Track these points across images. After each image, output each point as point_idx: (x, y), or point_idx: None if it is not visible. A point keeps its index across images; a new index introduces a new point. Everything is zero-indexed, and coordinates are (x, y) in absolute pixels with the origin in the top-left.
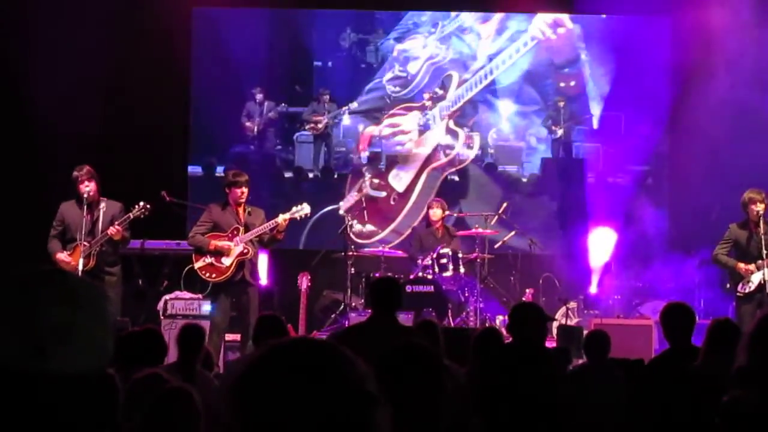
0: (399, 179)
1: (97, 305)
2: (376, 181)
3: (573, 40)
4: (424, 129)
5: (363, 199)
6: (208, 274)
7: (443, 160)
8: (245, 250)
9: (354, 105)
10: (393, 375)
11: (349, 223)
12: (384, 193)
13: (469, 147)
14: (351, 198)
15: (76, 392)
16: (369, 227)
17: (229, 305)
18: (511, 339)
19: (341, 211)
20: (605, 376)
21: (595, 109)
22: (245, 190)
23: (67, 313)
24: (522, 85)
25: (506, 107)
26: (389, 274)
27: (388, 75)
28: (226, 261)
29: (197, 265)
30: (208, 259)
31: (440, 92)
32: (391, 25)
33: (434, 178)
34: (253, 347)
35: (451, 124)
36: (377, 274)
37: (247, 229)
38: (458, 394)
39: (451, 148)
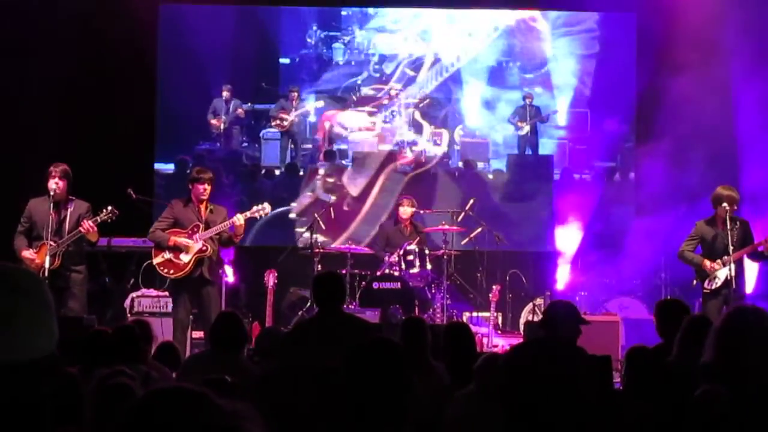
0: (354, 181)
1: (37, 291)
2: (330, 180)
3: (539, 36)
4: (386, 122)
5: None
6: (166, 270)
7: (408, 158)
8: (204, 248)
9: (321, 104)
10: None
11: (318, 219)
12: (333, 197)
13: (436, 144)
14: (304, 199)
15: (29, 376)
16: (320, 237)
17: (189, 302)
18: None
19: (292, 214)
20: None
21: (561, 106)
22: (207, 187)
23: (8, 301)
24: (488, 81)
25: (472, 104)
26: (356, 270)
27: (363, 75)
28: (185, 258)
29: (156, 260)
30: (167, 255)
31: (411, 73)
32: (358, 22)
33: (396, 181)
34: (210, 345)
35: (417, 116)
36: (344, 271)
37: (207, 227)
38: (440, 393)
39: (415, 144)
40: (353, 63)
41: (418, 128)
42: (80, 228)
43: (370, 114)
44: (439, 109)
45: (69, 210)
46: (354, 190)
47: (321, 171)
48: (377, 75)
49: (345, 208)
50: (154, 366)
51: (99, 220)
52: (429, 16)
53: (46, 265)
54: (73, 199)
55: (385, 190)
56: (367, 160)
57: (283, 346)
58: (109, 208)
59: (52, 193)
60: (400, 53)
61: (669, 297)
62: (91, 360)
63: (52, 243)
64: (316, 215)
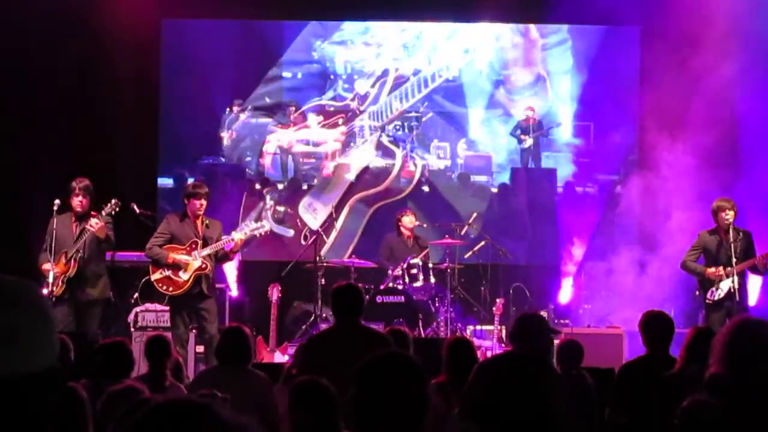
0: (314, 212)
1: (37, 304)
2: (281, 209)
3: (543, 49)
4: (348, 144)
5: (317, 235)
6: (165, 287)
7: (378, 188)
8: (204, 265)
9: (320, 119)
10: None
11: (321, 233)
12: (292, 232)
13: (440, 157)
14: (247, 228)
15: (30, 390)
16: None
17: (188, 317)
18: (511, 349)
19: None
20: (578, 385)
21: (565, 119)
22: (204, 202)
23: (7, 314)
24: (491, 95)
25: (475, 117)
26: (359, 284)
27: (329, 93)
28: (184, 275)
29: (154, 277)
30: (166, 272)
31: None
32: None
33: (360, 213)
34: (216, 360)
35: (385, 140)
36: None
37: (205, 243)
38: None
39: (387, 173)
40: (355, 77)
41: (388, 154)
42: (87, 227)
43: (329, 136)
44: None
45: (90, 225)
46: (314, 222)
47: (269, 200)
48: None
49: (302, 242)
50: (172, 384)
51: (104, 214)
52: (429, 30)
53: (71, 272)
54: (95, 214)
55: (349, 224)
56: (329, 185)
57: (301, 357)
58: (113, 201)
59: (77, 210)
60: (399, 67)
61: (653, 310)
62: (95, 375)
63: (72, 253)
64: (320, 230)
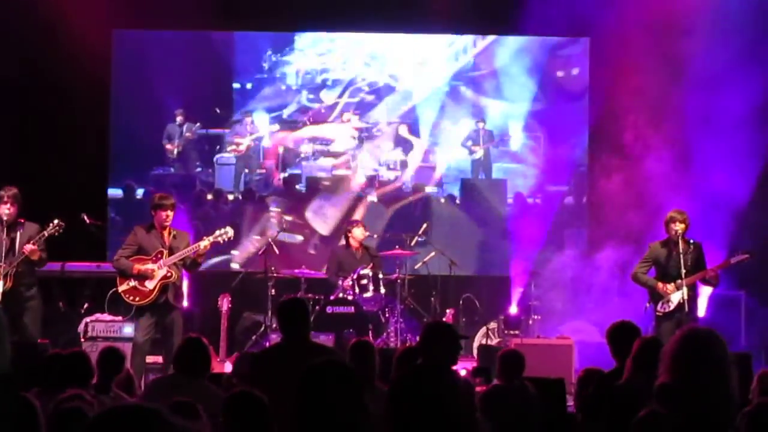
0: (323, 217)
1: None
2: (288, 218)
3: (493, 60)
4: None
5: (268, 246)
6: (131, 298)
7: (395, 184)
8: (169, 274)
9: (275, 127)
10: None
11: (272, 243)
12: (300, 237)
13: (390, 168)
14: (250, 244)
15: None
16: None
17: (153, 327)
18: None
19: (234, 264)
20: (520, 396)
21: (515, 130)
22: (170, 213)
23: None
24: (440, 105)
25: (424, 128)
26: (309, 294)
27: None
28: (150, 284)
29: (121, 288)
30: (132, 283)
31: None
32: (311, 46)
33: (378, 212)
34: (174, 369)
35: (403, 130)
36: (297, 295)
37: (171, 253)
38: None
39: (403, 166)
40: (306, 86)
41: (406, 145)
42: (23, 250)
43: (337, 135)
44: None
45: (19, 232)
46: (323, 227)
47: (273, 209)
48: (328, 99)
49: (311, 251)
50: (117, 396)
51: (47, 234)
52: (379, 40)
53: (6, 287)
54: (24, 221)
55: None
56: (338, 188)
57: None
58: (56, 221)
59: (3, 218)
60: (350, 77)
61: (621, 320)
62: (47, 384)
63: (3, 265)
64: (270, 239)
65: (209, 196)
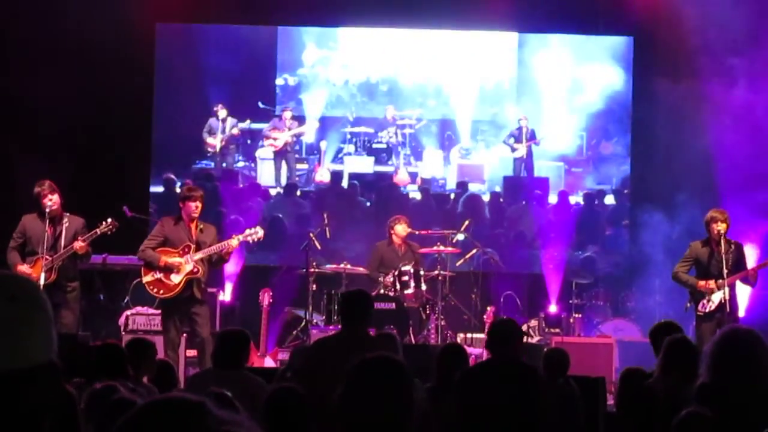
0: (365, 213)
1: (36, 298)
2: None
3: (534, 57)
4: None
5: (309, 241)
6: (156, 290)
7: (438, 180)
8: (195, 269)
9: (316, 125)
10: (363, 385)
11: (313, 239)
12: (341, 233)
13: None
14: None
15: (29, 384)
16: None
17: (179, 321)
18: (489, 356)
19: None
20: (564, 394)
21: (557, 128)
22: (199, 204)
23: (6, 308)
24: (483, 103)
25: (465, 126)
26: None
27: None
28: (176, 278)
29: (146, 279)
30: (157, 275)
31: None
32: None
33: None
34: (212, 363)
35: (445, 127)
36: (340, 291)
37: (198, 247)
38: (420, 410)
39: (445, 162)
40: (348, 82)
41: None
42: (73, 245)
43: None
44: (433, 131)
45: (64, 225)
46: (365, 223)
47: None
48: (368, 97)
49: (353, 247)
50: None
51: (99, 233)
52: (423, 36)
53: (42, 280)
54: (67, 214)
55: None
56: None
57: (299, 361)
58: (109, 220)
59: (48, 210)
60: (393, 73)
61: (663, 320)
62: (86, 376)
63: (47, 257)
64: (311, 234)
65: (251, 191)
